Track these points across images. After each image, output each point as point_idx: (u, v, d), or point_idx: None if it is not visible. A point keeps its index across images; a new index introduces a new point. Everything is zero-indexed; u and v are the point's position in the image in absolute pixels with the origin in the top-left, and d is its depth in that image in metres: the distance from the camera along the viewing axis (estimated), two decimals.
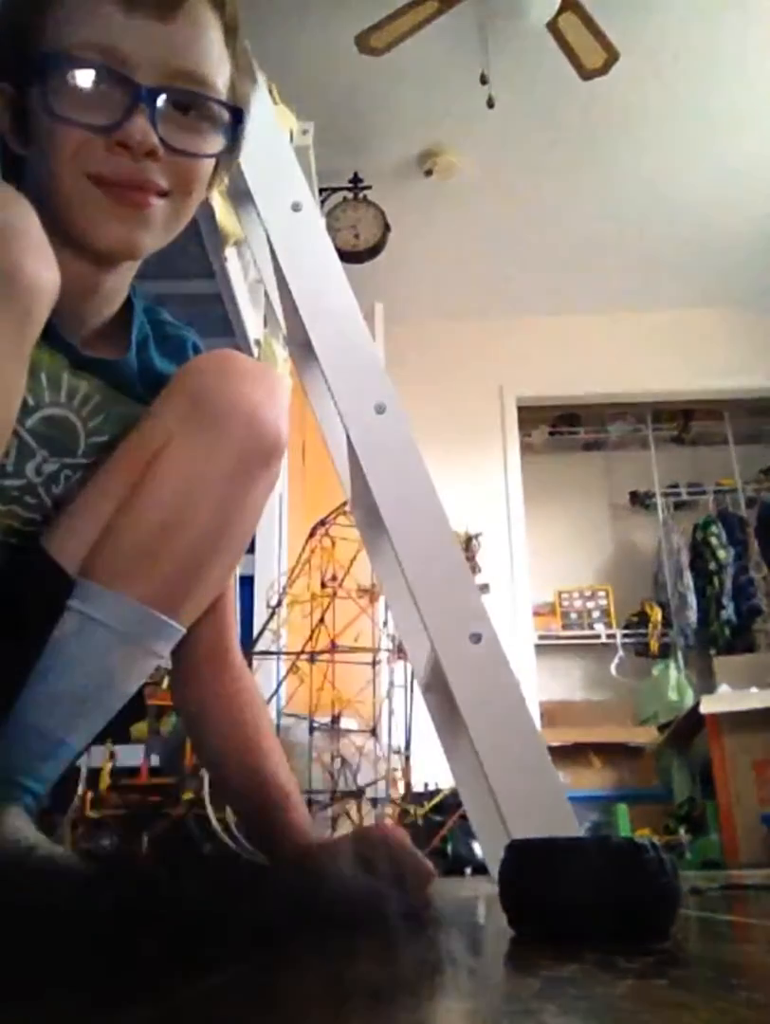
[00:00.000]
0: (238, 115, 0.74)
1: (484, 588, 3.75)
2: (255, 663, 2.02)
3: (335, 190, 3.41)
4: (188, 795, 1.75)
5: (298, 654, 1.95)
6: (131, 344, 0.80)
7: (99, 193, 0.68)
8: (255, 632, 2.06)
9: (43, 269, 0.58)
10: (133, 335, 0.81)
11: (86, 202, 0.68)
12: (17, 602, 0.71)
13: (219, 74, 0.72)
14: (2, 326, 0.57)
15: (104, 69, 0.67)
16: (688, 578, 4.36)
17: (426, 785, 2.27)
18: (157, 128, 0.67)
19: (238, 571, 2.35)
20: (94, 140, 0.67)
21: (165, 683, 2.03)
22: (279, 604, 2.06)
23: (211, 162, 0.74)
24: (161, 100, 0.68)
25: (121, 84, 0.67)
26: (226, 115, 0.73)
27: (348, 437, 1.01)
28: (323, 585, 2.03)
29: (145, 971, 0.27)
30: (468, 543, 3.63)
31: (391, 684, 2.00)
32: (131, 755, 1.90)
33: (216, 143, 0.73)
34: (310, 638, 1.96)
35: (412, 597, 0.93)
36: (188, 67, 0.69)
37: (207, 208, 1.60)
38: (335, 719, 1.94)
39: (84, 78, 0.67)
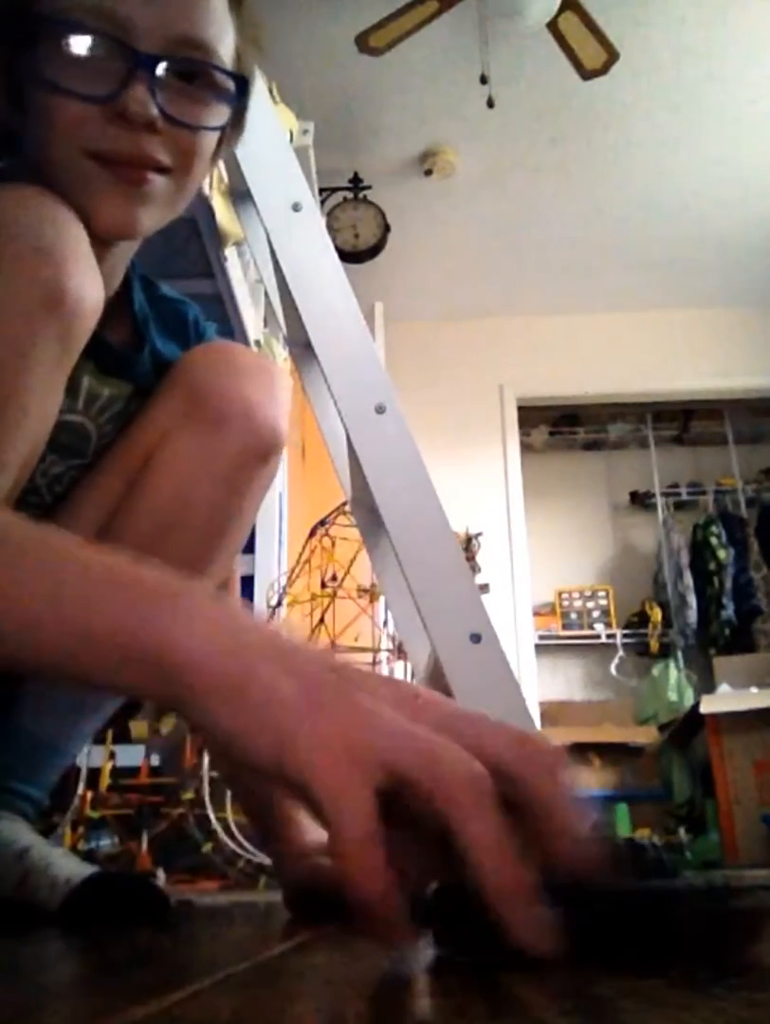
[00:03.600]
0: (243, 85, 0.69)
1: (484, 588, 3.74)
2: None
3: (335, 190, 3.41)
4: (188, 795, 1.75)
5: None
6: (137, 326, 0.78)
7: (97, 170, 0.64)
8: None
9: (88, 288, 0.57)
10: (135, 314, 0.79)
11: (83, 179, 0.64)
12: None
13: (223, 41, 0.67)
14: (45, 346, 0.56)
15: (101, 35, 0.62)
16: (688, 578, 4.36)
17: None
18: (156, 98, 0.62)
19: (238, 570, 2.36)
20: (92, 116, 0.62)
21: None
22: (279, 604, 2.06)
23: (214, 135, 0.70)
24: (161, 68, 0.63)
25: (119, 51, 0.62)
26: (230, 85, 0.68)
27: (348, 437, 1.01)
28: (323, 585, 2.03)
29: None
30: (468, 543, 3.63)
31: None
32: (131, 755, 1.90)
33: (220, 114, 0.68)
34: (310, 638, 1.96)
35: (412, 597, 0.93)
36: (190, 33, 0.65)
37: (207, 208, 1.60)
38: None
39: (79, 44, 0.62)
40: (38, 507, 0.76)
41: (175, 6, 0.64)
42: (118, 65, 0.62)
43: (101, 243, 0.70)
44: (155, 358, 0.79)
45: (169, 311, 0.84)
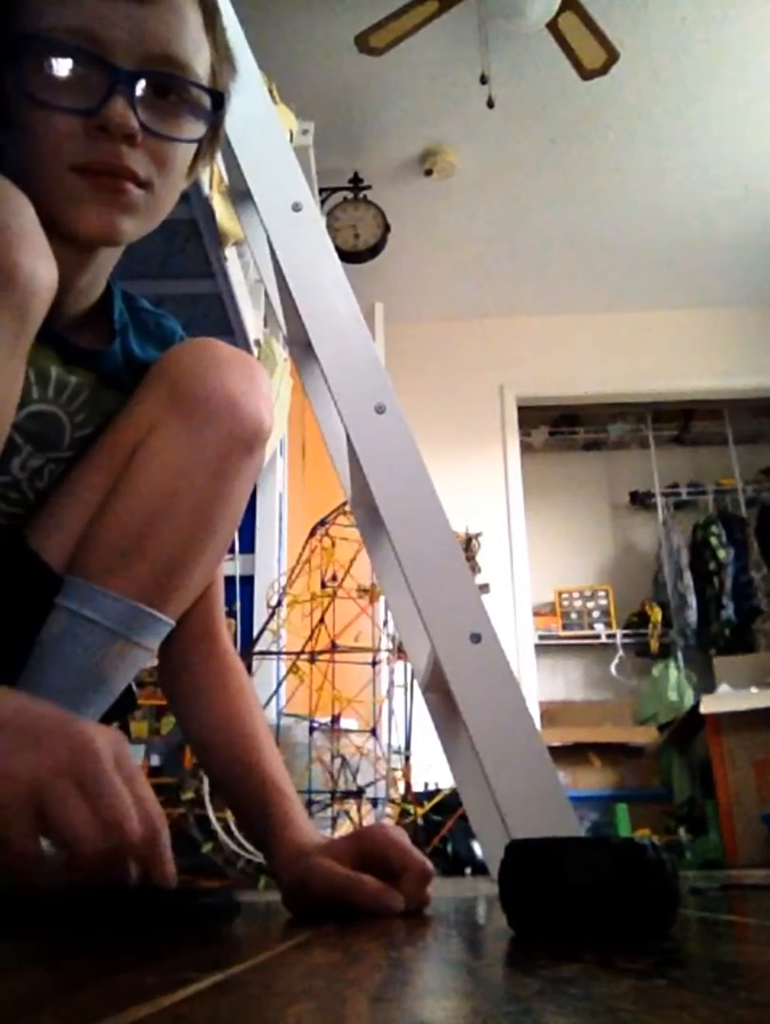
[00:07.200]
0: (219, 100, 0.72)
1: (484, 588, 3.75)
2: (255, 663, 2.02)
3: (335, 190, 3.42)
4: (188, 795, 1.75)
5: (298, 654, 1.95)
6: (114, 332, 0.80)
7: (78, 180, 0.67)
8: (255, 632, 2.06)
9: (40, 266, 0.58)
10: (114, 323, 0.80)
11: (65, 189, 0.67)
12: (3, 601, 0.71)
13: (198, 59, 0.71)
14: (0, 325, 0.57)
15: (83, 53, 0.66)
16: (688, 578, 4.36)
17: (426, 785, 2.27)
18: (137, 112, 0.66)
19: (238, 570, 2.36)
20: (74, 129, 0.66)
21: None
22: (279, 604, 2.06)
23: (191, 148, 0.73)
24: (140, 84, 0.67)
25: (100, 68, 0.66)
26: (206, 100, 0.71)
27: (348, 437, 1.01)
28: (323, 585, 2.03)
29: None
30: (468, 543, 3.63)
31: (391, 684, 2.00)
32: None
33: (196, 128, 0.72)
34: (310, 638, 1.96)
35: (412, 597, 0.93)
36: (166, 51, 0.68)
37: (207, 208, 1.60)
38: (335, 719, 1.94)
39: (63, 61, 0.66)
40: (21, 503, 0.76)
41: (152, 26, 0.67)
42: (99, 81, 0.66)
43: (82, 251, 0.72)
44: (129, 358, 0.80)
45: (151, 323, 0.86)
